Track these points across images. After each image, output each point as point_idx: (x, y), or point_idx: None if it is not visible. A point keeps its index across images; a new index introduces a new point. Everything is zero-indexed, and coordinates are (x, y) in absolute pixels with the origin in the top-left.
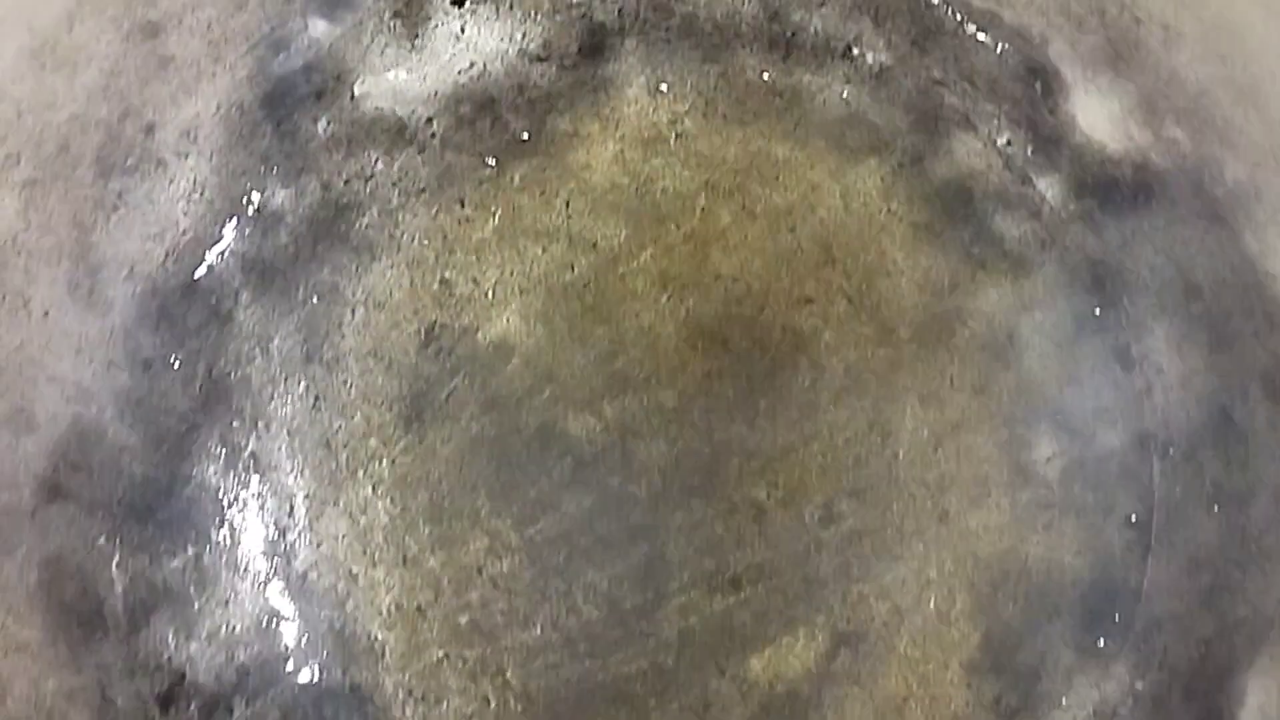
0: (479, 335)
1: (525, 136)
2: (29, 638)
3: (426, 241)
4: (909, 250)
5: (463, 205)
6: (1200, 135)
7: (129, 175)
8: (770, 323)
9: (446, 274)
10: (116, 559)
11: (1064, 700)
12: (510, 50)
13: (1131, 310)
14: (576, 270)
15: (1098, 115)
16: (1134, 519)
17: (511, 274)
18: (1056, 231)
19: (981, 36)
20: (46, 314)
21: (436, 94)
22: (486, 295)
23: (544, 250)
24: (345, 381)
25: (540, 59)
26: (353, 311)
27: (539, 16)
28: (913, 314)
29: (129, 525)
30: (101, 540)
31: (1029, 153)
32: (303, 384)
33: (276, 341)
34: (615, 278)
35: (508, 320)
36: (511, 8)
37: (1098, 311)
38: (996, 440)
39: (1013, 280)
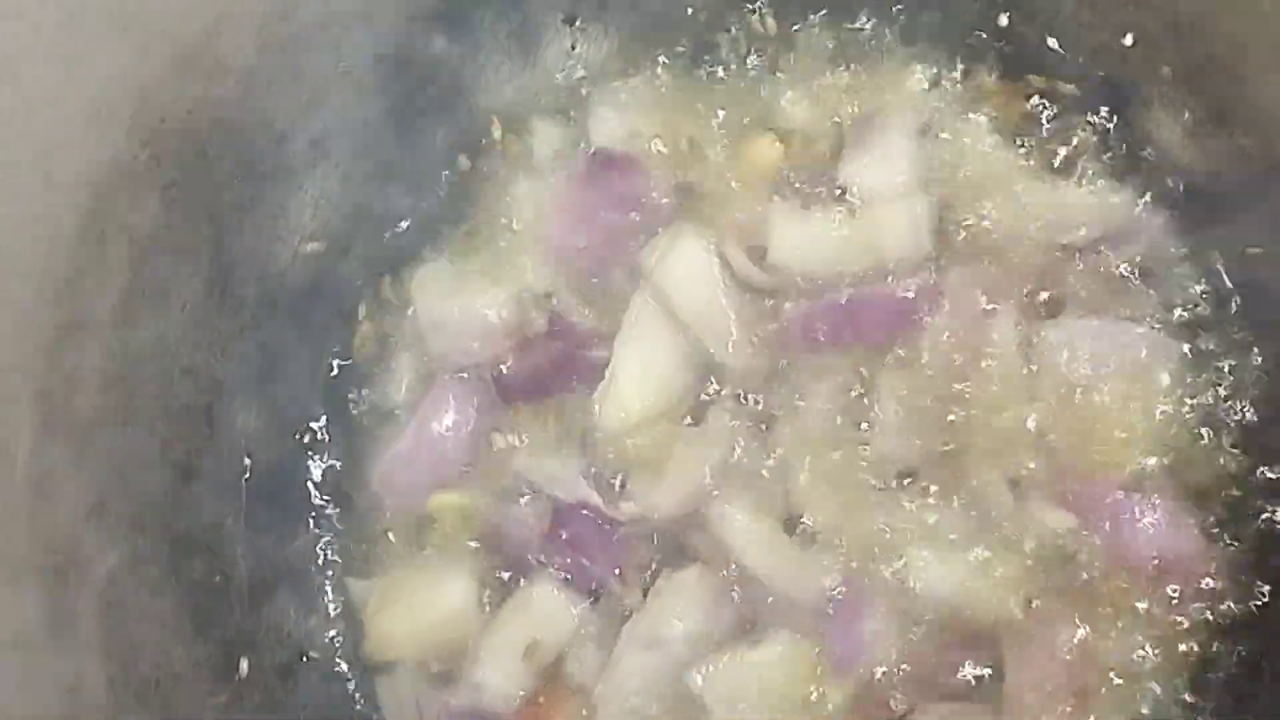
0: None
1: None
2: (160, 608)
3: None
4: None
5: None
6: None
7: (262, 181)
8: None
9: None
10: (242, 539)
11: None
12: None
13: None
14: None
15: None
16: None
17: None
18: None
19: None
20: (184, 308)
21: (548, 108)
22: None
23: None
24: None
25: None
26: None
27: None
28: None
29: (255, 507)
30: (229, 521)
31: None
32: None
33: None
34: None
35: None
36: (619, 27)
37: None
38: None
39: None
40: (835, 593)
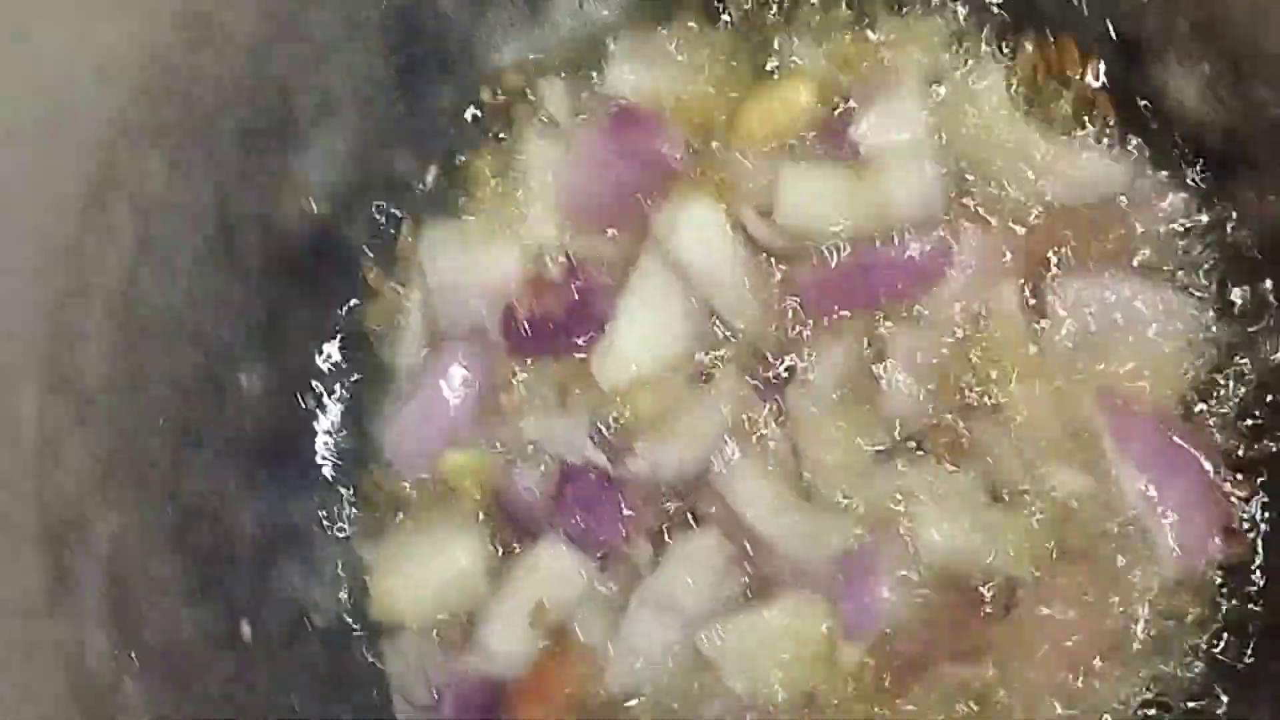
0: None
1: None
2: (165, 574)
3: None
4: None
5: None
6: None
7: (267, 141)
8: None
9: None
10: (248, 503)
11: None
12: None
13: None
14: None
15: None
16: None
17: None
18: None
19: None
20: (189, 271)
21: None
22: None
23: None
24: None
25: None
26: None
27: None
28: None
29: (260, 472)
30: (234, 486)
31: None
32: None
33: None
34: None
35: None
36: None
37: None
38: None
39: None
40: (845, 555)
